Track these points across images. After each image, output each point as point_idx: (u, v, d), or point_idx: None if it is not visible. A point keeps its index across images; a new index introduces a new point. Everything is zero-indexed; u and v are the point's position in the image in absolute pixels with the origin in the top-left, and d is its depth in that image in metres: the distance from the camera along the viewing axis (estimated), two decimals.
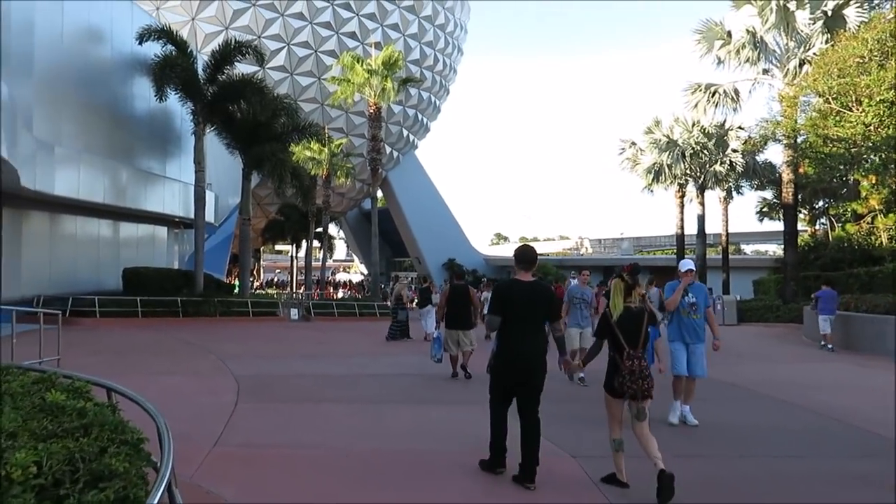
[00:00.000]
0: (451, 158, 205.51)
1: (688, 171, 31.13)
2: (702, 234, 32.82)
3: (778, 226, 56.19)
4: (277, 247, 79.23)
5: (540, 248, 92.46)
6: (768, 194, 47.51)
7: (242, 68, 24.17)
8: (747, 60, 24.11)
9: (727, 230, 39.18)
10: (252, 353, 13.95)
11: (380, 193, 60.76)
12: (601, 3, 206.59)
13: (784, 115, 24.23)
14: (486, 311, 8.52)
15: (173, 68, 19.50)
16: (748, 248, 77.23)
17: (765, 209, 47.54)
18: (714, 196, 35.56)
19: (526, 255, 5.61)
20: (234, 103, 21.96)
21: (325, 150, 40.06)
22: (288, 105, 22.84)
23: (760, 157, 32.11)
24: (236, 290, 49.55)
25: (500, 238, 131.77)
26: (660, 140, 31.26)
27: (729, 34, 24.99)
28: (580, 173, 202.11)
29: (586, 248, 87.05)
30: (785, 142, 24.30)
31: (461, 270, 14.83)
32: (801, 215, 47.35)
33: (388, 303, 34.45)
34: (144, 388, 9.66)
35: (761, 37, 23.87)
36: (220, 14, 43.44)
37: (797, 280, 25.12)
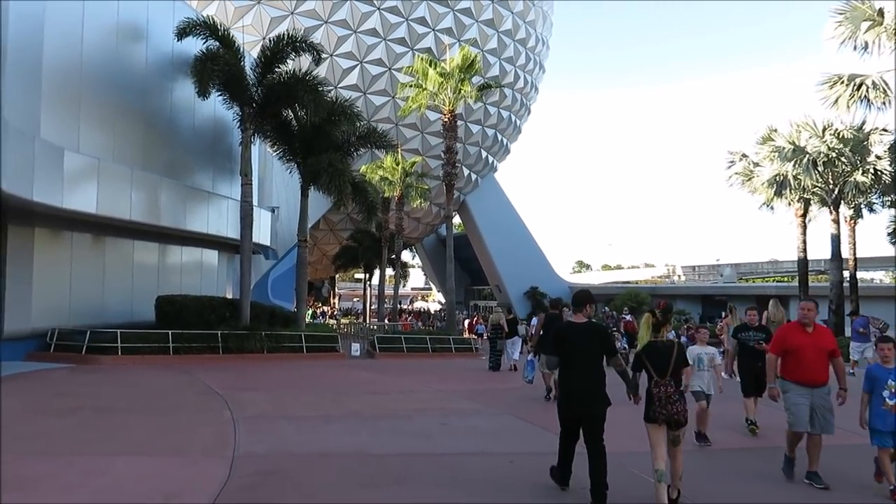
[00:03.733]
0: (531, 182, 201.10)
1: (818, 183, 26.19)
2: (837, 257, 27.66)
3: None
4: (357, 275, 77.16)
5: (624, 276, 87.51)
6: None
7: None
8: None
9: (855, 254, 33.74)
10: (282, 409, 10.55)
11: (457, 219, 57.72)
12: (688, 31, 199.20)
13: None
14: None
15: (215, 62, 16.71)
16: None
17: None
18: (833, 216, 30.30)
19: (575, 299, 6.12)
20: (286, 106, 19.06)
21: (398, 168, 37.12)
22: (348, 108, 19.75)
23: None
24: (308, 321, 47.49)
25: (583, 266, 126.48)
26: (783, 148, 26.50)
27: (881, 12, 20.37)
28: (666, 199, 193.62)
29: (679, 276, 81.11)
30: None
31: (557, 301, 11.66)
32: None
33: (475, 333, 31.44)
34: (81, 482, 6.22)
35: None
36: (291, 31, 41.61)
37: None
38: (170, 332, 16.36)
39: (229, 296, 23.70)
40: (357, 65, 42.90)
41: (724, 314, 20.22)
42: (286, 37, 18.28)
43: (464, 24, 45.09)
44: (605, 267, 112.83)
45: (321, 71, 38.72)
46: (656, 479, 5.52)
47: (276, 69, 18.37)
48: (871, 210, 34.15)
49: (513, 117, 52.37)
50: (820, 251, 43.83)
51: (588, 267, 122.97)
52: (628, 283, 73.82)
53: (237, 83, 17.77)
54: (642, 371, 5.85)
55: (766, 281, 71.75)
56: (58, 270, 15.69)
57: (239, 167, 18.85)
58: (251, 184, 18.53)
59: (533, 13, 50.03)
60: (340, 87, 41.56)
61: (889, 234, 41.95)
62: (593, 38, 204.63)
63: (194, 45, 17.99)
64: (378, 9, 42.53)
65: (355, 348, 21.17)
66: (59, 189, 13.58)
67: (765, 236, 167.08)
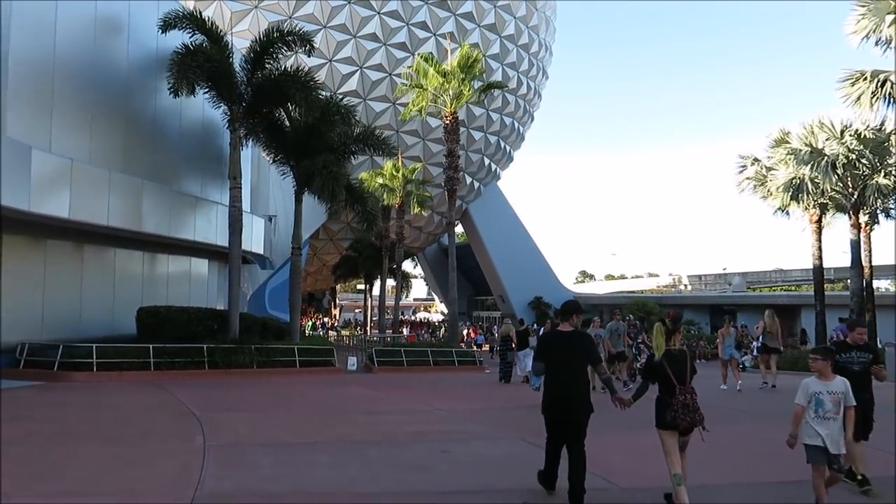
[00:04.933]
0: (533, 191, 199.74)
1: (837, 186, 24.97)
2: (857, 264, 26.36)
3: None
4: (360, 286, 76.08)
5: (628, 285, 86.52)
6: None
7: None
8: None
9: (871, 262, 32.57)
10: (263, 434, 9.37)
11: (460, 228, 56.56)
12: (699, 33, 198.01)
13: None
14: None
15: (196, 57, 15.59)
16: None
17: None
18: (845, 223, 28.99)
19: (563, 309, 6.30)
20: (278, 105, 18.00)
21: (399, 175, 36.05)
22: (343, 108, 18.65)
23: None
24: (309, 333, 46.29)
25: (586, 276, 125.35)
26: (800, 150, 25.32)
27: None
28: (669, 208, 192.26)
29: (685, 285, 79.86)
30: None
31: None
32: None
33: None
34: None
35: None
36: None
37: None
38: (150, 346, 15.20)
39: (221, 307, 22.57)
40: (357, 70, 41.95)
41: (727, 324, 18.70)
42: (275, 30, 17.19)
43: (466, 29, 44.11)
44: (609, 277, 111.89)
45: (320, 76, 37.75)
46: (675, 483, 5.60)
47: (267, 65, 17.29)
48: (888, 216, 32.97)
49: (516, 124, 51.32)
50: (830, 259, 42.44)
51: (591, 277, 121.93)
52: (633, 292, 72.79)
53: (224, 80, 16.66)
54: (655, 380, 5.89)
55: (774, 290, 70.46)
56: (30, 280, 14.57)
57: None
58: (240, 187, 17.40)
59: (536, 18, 49.08)
60: (340, 93, 40.54)
61: None
62: (598, 42, 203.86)
63: (181, 41, 16.91)
64: (378, 13, 41.64)
65: (352, 362, 20.00)
66: (26, 191, 12.46)
67: (770, 245, 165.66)
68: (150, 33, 17.14)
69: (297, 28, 18.47)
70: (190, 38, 16.66)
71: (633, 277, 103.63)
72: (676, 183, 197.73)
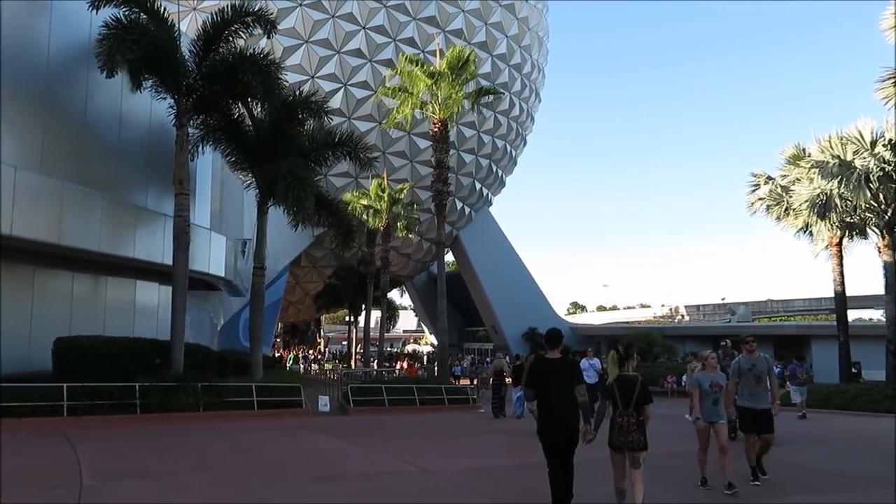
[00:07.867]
0: (522, 220, 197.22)
1: (870, 203, 22.37)
2: (894, 289, 23.64)
3: None
4: (348, 317, 72.92)
5: (620, 316, 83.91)
6: None
7: None
8: None
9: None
10: None
11: (450, 257, 53.77)
12: (693, 59, 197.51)
13: None
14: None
15: (131, 30, 12.86)
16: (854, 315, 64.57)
17: None
18: (861, 248, 26.27)
19: (548, 336, 6.76)
20: (235, 98, 15.27)
21: (384, 196, 33.35)
22: (313, 102, 15.95)
23: None
24: (290, 366, 43.07)
25: (577, 307, 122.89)
26: (827, 163, 22.80)
27: None
28: (661, 238, 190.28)
29: (682, 316, 77.20)
30: None
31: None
32: None
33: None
34: None
35: None
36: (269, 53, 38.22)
37: None
38: (65, 385, 12.19)
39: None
40: (341, 87, 39.62)
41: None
42: (230, 9, 14.44)
43: (455, 47, 41.89)
44: (600, 308, 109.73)
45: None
46: (617, 497, 6.28)
47: (220, 49, 14.59)
48: None
49: (508, 147, 48.97)
50: (828, 288, 39.20)
51: (583, 308, 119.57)
52: (628, 322, 70.42)
53: (168, 63, 13.94)
54: (608, 400, 6.44)
55: (773, 320, 67.96)
56: None
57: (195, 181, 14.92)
58: (188, 194, 14.55)
59: (528, 38, 47.06)
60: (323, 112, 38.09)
61: None
62: (592, 65, 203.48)
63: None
64: (363, 28, 39.47)
65: (323, 402, 16.93)
66: None
67: (764, 275, 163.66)
68: (79, 14, 14.39)
69: (280, 50, 15.87)
70: (126, 14, 13.94)
71: (625, 308, 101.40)
72: (668, 212, 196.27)
